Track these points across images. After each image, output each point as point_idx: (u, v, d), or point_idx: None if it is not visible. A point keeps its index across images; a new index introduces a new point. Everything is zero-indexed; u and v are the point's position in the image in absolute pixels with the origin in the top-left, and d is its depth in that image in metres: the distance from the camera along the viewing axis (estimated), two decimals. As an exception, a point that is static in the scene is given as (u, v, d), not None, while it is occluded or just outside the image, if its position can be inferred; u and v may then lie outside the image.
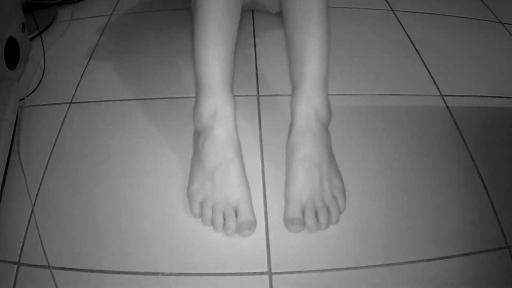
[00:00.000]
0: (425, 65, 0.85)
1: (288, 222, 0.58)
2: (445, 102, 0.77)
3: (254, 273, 0.54)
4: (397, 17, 1.00)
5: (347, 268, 0.55)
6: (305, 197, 0.58)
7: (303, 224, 0.58)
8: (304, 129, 0.61)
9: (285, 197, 0.60)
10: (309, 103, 0.62)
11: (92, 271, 0.55)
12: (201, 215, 0.59)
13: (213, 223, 0.58)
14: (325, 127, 0.64)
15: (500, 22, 1.02)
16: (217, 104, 0.61)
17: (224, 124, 0.61)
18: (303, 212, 0.58)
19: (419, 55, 0.88)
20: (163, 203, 0.62)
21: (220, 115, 0.61)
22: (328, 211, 0.58)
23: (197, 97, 0.64)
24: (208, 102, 0.61)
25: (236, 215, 0.58)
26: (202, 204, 0.59)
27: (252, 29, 0.94)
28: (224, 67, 0.62)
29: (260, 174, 0.65)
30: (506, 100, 0.79)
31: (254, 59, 0.85)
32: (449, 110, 0.75)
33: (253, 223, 0.58)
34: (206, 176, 0.59)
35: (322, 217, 0.57)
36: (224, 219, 0.58)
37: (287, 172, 0.61)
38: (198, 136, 0.63)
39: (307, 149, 0.60)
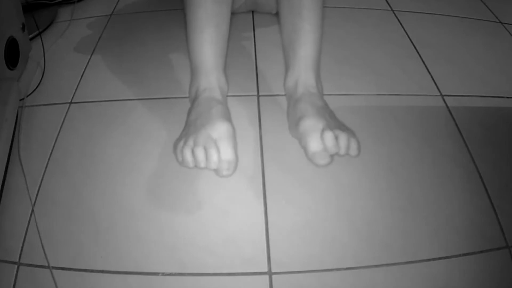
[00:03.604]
0: (425, 65, 0.85)
1: (315, 156, 0.56)
2: (445, 102, 0.77)
3: (254, 273, 0.54)
4: (397, 17, 1.00)
5: (347, 268, 0.55)
6: (321, 126, 0.57)
7: (329, 156, 0.56)
8: (302, 93, 0.63)
9: (300, 132, 0.59)
10: (301, 81, 0.64)
11: (92, 271, 0.55)
12: (182, 157, 0.57)
13: (195, 160, 0.56)
14: (322, 96, 0.65)
15: (500, 22, 1.01)
16: (210, 81, 0.64)
17: (214, 93, 0.63)
18: (322, 139, 0.56)
19: (419, 55, 0.88)
20: (163, 203, 0.62)
21: (212, 86, 0.64)
22: (347, 139, 0.56)
23: (191, 77, 0.67)
24: (202, 80, 0.64)
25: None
26: (183, 147, 0.57)
27: (252, 29, 0.94)
28: (215, 51, 0.64)
29: (260, 174, 0.65)
30: (506, 100, 0.79)
31: (254, 59, 0.85)
32: (449, 110, 0.75)
33: (232, 162, 0.56)
34: (190, 128, 0.59)
35: (342, 141, 0.55)
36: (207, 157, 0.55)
37: (297, 119, 0.60)
38: (190, 110, 0.65)
39: (310, 102, 0.61)
